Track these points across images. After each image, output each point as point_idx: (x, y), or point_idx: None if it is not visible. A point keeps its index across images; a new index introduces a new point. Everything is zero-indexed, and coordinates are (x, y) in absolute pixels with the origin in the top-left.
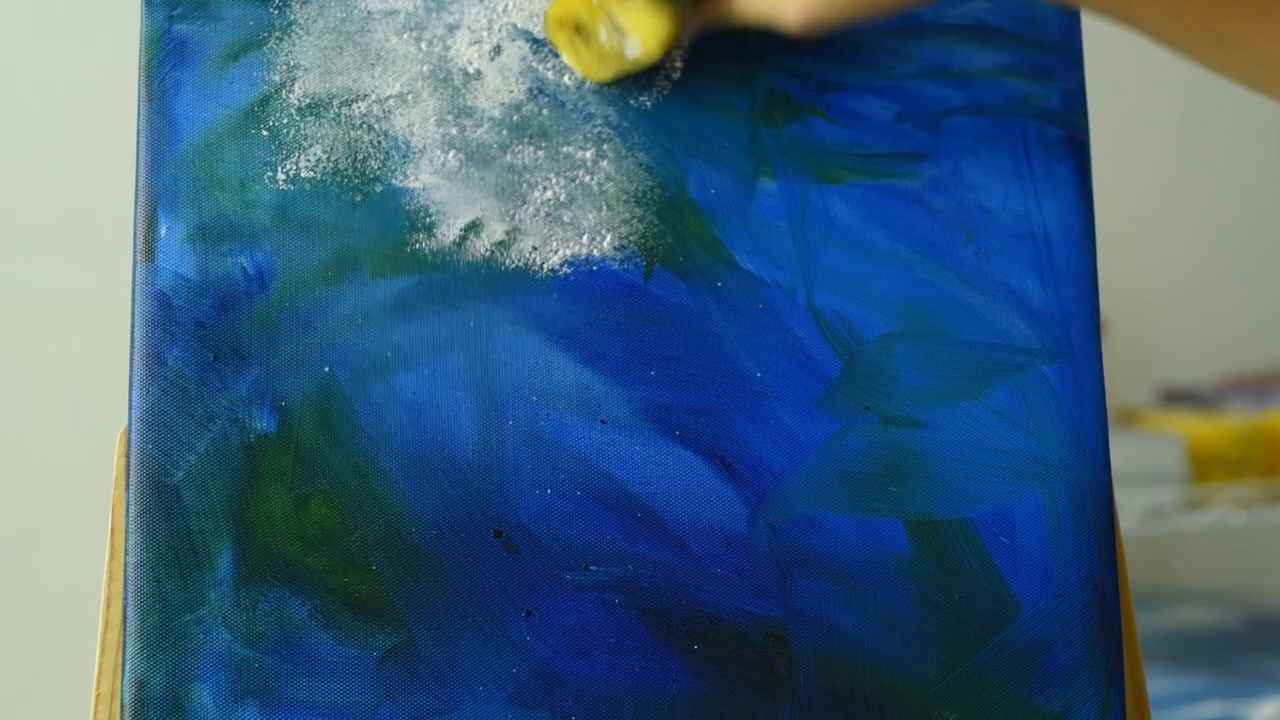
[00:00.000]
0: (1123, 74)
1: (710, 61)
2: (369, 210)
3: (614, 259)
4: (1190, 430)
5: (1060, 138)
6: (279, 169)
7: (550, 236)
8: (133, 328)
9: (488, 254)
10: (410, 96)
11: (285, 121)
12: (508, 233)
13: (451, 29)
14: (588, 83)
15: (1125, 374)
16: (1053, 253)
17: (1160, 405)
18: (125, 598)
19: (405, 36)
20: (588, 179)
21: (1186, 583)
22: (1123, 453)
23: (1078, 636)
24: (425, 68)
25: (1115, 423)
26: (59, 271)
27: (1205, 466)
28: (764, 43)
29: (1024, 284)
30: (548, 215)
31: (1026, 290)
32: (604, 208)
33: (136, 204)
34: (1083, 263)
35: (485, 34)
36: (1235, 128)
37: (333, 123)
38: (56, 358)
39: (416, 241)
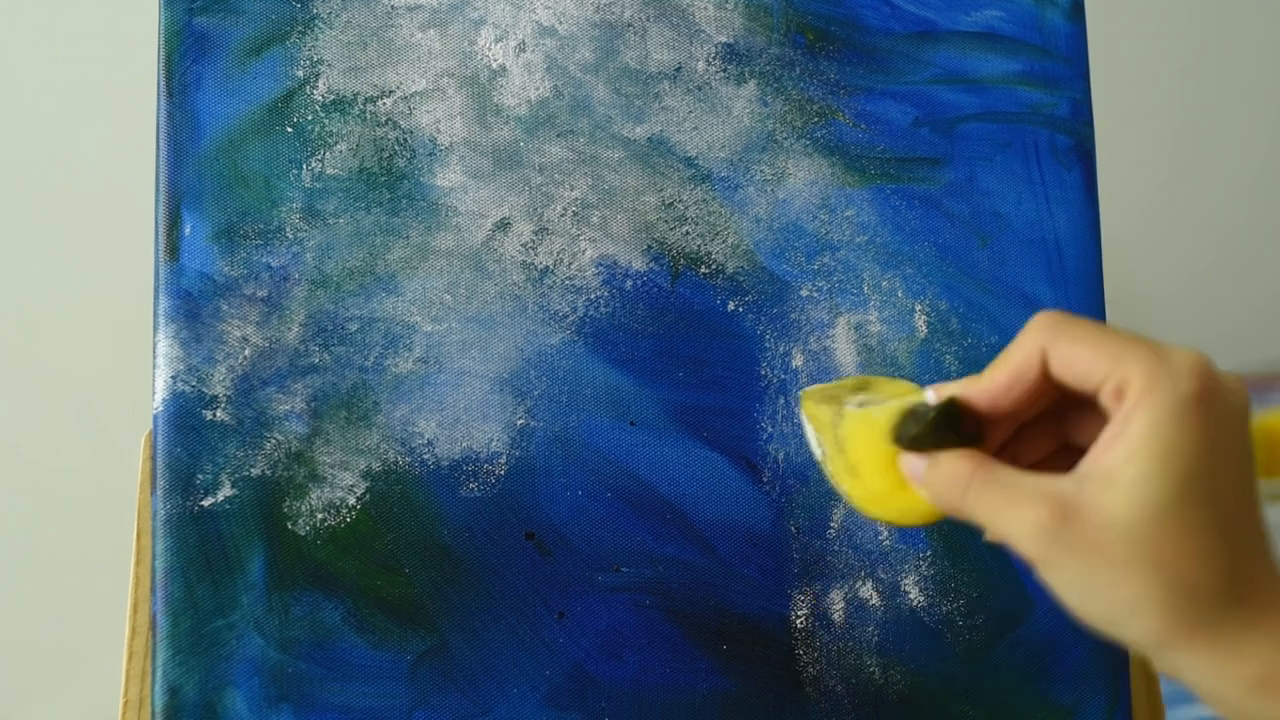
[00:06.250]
0: (1123, 73)
1: (735, 65)
2: (395, 208)
3: (641, 260)
4: None
5: (1069, 145)
6: (304, 166)
7: (578, 236)
8: (155, 327)
9: (515, 253)
10: (435, 93)
11: (310, 118)
12: (535, 232)
13: (476, 25)
14: (614, 82)
15: None
16: (1063, 258)
17: None
18: (154, 603)
19: (430, 32)
20: (615, 179)
21: None
22: None
23: (1088, 632)
24: (450, 64)
25: None
26: (59, 271)
27: None
28: (786, 45)
29: (1036, 287)
30: (575, 215)
31: (1039, 294)
32: (631, 208)
33: (158, 201)
34: (1091, 267)
35: (510, 30)
36: (1234, 127)
37: (358, 119)
38: (54, 357)
39: (443, 240)
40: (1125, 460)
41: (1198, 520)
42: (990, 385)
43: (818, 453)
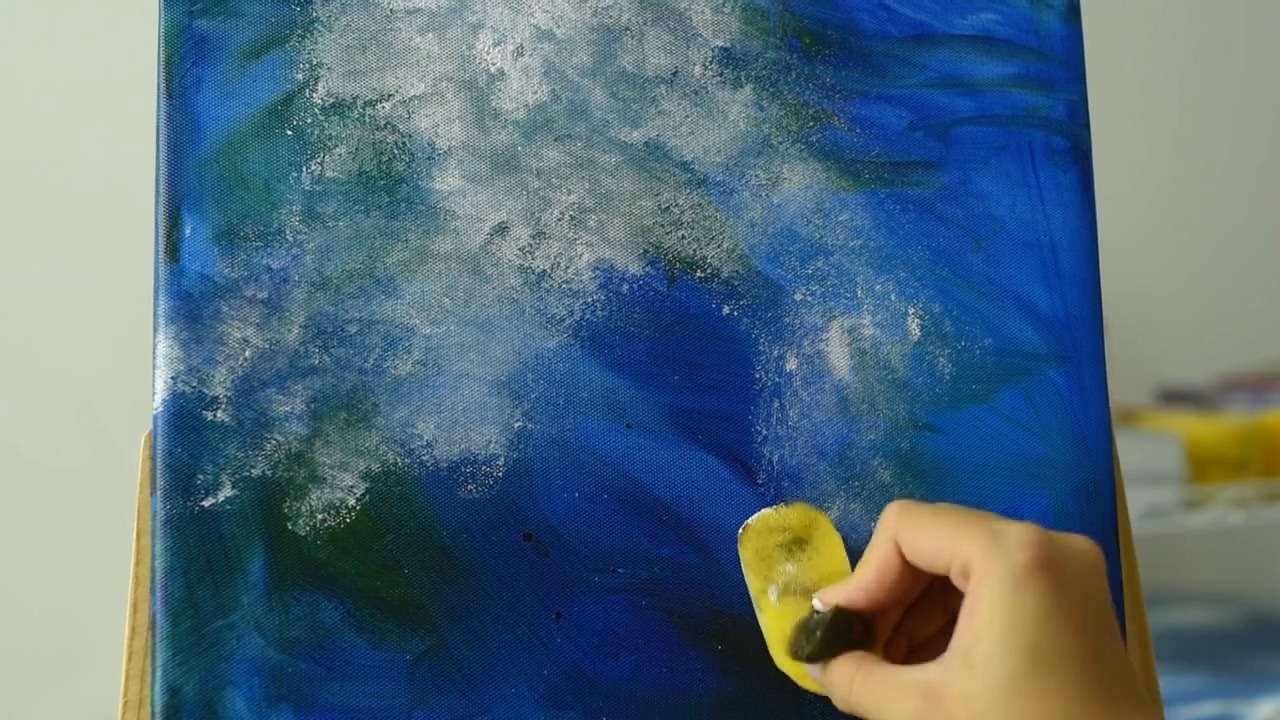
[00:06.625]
0: (1122, 73)
1: (731, 69)
2: (394, 212)
3: (638, 264)
4: (1189, 430)
5: (1065, 148)
6: (304, 169)
7: (575, 240)
8: (155, 328)
9: (513, 257)
10: (434, 97)
11: (309, 121)
12: (533, 236)
13: (475, 29)
14: (611, 86)
15: (1124, 374)
16: (1058, 260)
17: (1159, 405)
18: (154, 603)
19: (429, 36)
20: (612, 183)
21: (1185, 582)
22: (1121, 452)
23: None
24: (448, 68)
25: (1114, 423)
26: (59, 271)
27: (1204, 466)
28: (782, 50)
29: (1031, 291)
30: (572, 219)
31: (1034, 297)
32: (628, 212)
33: (158, 203)
34: (1087, 270)
35: (508, 34)
36: (1232, 128)
37: (357, 123)
38: (54, 357)
39: (442, 244)
40: (975, 639)
41: (1050, 686)
42: (862, 583)
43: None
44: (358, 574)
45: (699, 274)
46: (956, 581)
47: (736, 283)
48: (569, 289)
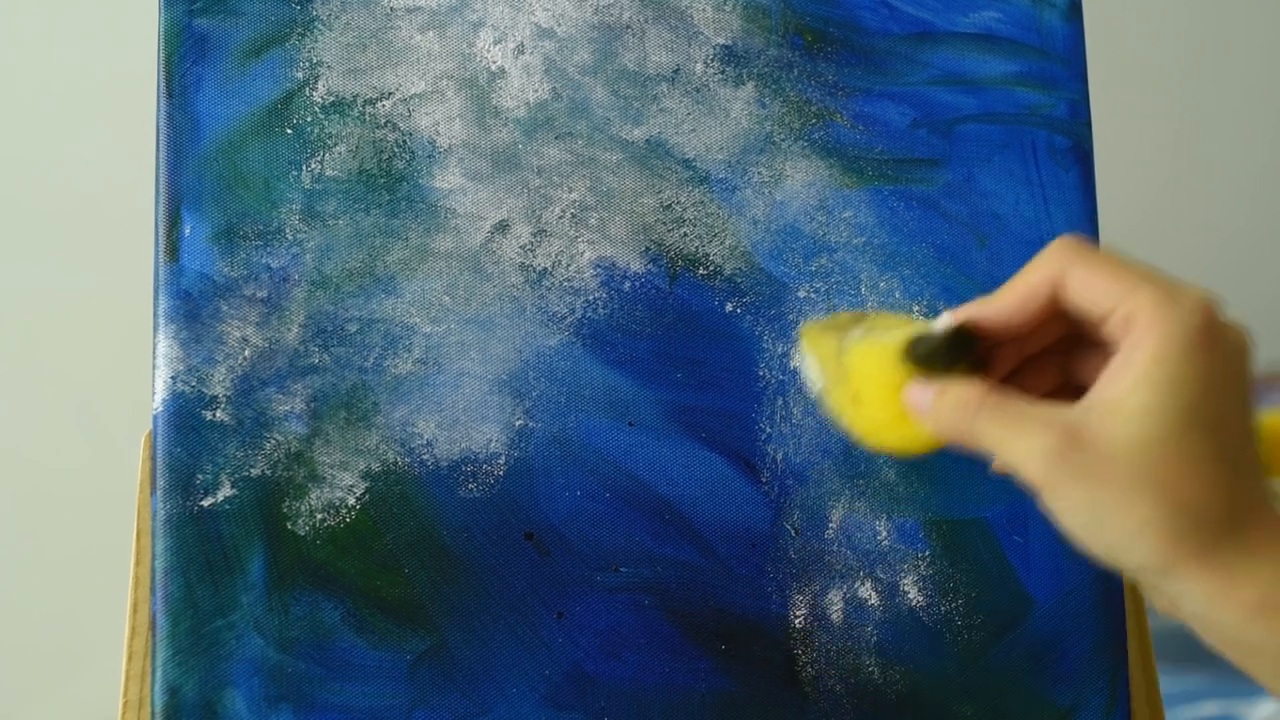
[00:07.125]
0: (1124, 72)
1: (733, 67)
2: (394, 210)
3: (639, 262)
4: None
5: (1067, 146)
6: (304, 168)
7: (577, 238)
8: (155, 328)
9: (514, 255)
10: (434, 95)
11: (309, 119)
12: (534, 234)
13: (475, 27)
14: (612, 84)
15: None
16: None
17: None
18: (154, 603)
19: (429, 34)
20: (613, 181)
21: None
22: None
23: (1086, 631)
24: (449, 66)
25: None
26: (59, 271)
27: None
28: (784, 47)
29: None
30: (574, 217)
31: None
32: (629, 210)
33: (158, 202)
34: None
35: (509, 32)
36: (1234, 128)
37: (357, 121)
38: (54, 357)
39: (442, 242)
40: (1132, 389)
41: (1202, 448)
42: (1001, 304)
43: (817, 385)
44: (357, 574)
45: (701, 271)
46: (1113, 330)
47: (739, 280)
48: (570, 287)
